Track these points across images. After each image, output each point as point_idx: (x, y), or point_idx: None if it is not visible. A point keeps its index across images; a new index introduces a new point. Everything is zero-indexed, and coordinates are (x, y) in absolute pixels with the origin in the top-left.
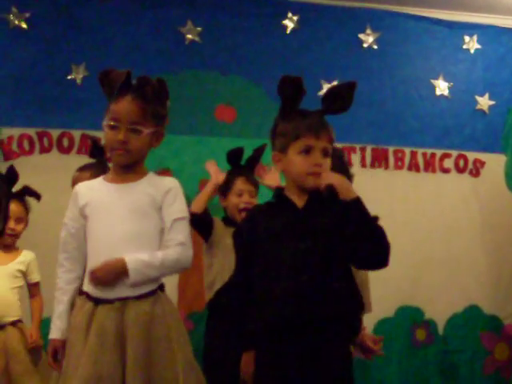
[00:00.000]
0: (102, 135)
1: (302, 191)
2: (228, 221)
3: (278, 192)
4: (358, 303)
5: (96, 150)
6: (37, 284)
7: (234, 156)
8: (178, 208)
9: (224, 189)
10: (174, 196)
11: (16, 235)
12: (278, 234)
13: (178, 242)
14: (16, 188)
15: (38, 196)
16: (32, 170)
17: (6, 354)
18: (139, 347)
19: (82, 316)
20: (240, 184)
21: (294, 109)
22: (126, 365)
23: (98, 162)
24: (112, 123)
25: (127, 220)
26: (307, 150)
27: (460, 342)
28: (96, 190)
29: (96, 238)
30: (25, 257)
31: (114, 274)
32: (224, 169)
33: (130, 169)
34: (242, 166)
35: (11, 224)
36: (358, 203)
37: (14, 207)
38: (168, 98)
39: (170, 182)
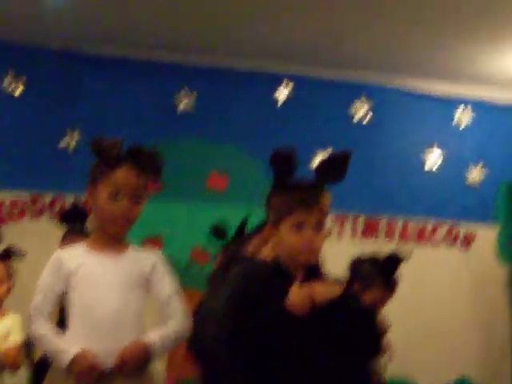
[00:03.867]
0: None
1: (297, 266)
2: None
3: (277, 264)
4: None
5: (72, 216)
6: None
7: (218, 233)
8: (169, 282)
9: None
10: (162, 270)
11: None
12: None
13: (180, 315)
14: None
15: (21, 255)
16: (24, 234)
17: None
18: None
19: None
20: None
21: (287, 182)
22: None
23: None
24: (113, 192)
25: (115, 293)
26: (299, 226)
27: None
28: (82, 259)
29: (83, 307)
30: (7, 320)
31: (141, 357)
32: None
33: (118, 239)
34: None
35: None
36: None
37: None
38: (162, 168)
39: (156, 255)
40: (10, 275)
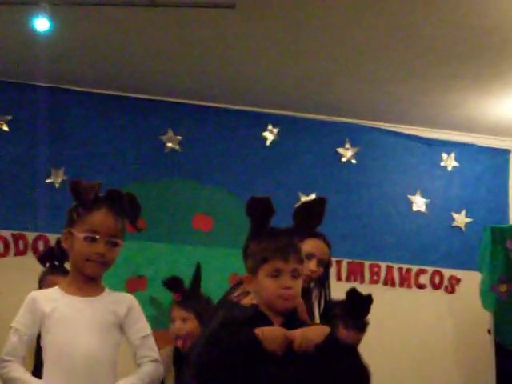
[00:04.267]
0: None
1: (275, 313)
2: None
3: (255, 308)
4: None
5: (51, 255)
6: None
7: (171, 285)
8: (143, 325)
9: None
10: (137, 313)
11: None
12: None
13: (153, 359)
14: None
15: None
16: (6, 272)
17: None
18: None
19: None
20: (173, 312)
21: (263, 229)
22: None
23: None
24: (90, 235)
25: (90, 336)
26: (276, 274)
27: None
28: (57, 301)
29: (57, 349)
30: None
31: None
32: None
33: (93, 281)
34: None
35: None
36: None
37: None
38: (140, 212)
39: (131, 299)
40: None
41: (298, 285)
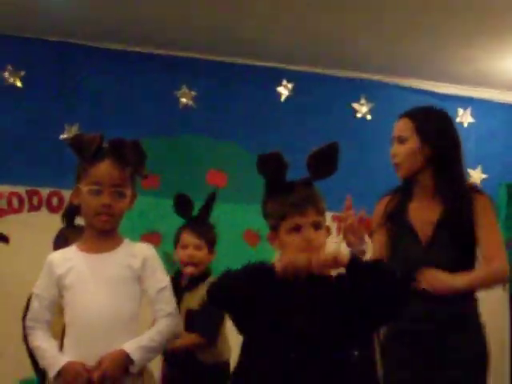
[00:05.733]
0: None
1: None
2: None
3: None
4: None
5: (69, 213)
6: None
7: (181, 205)
8: (159, 278)
9: (175, 242)
10: (153, 265)
11: None
12: (279, 305)
13: (168, 313)
14: None
15: (5, 239)
16: (21, 228)
17: None
18: None
19: None
20: (185, 237)
21: (278, 185)
22: None
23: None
24: (94, 188)
25: (107, 294)
26: (296, 229)
27: None
28: (72, 261)
29: (75, 310)
30: None
31: (121, 369)
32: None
33: (108, 235)
34: (192, 217)
35: None
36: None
37: None
38: (145, 160)
39: (147, 250)
40: None
41: (321, 236)
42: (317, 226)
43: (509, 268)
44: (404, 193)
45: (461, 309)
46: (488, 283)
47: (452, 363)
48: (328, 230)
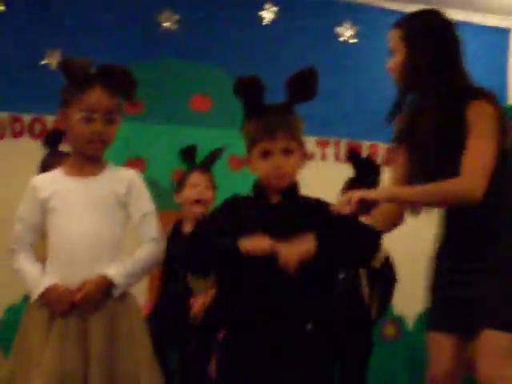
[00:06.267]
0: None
1: (275, 189)
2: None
3: (255, 186)
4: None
5: (52, 138)
6: None
7: (187, 154)
8: (144, 202)
9: (179, 185)
10: (138, 190)
11: None
12: (253, 229)
13: (151, 238)
14: None
15: None
16: (3, 155)
17: None
18: (102, 343)
19: (43, 311)
20: (195, 176)
21: (254, 108)
22: (89, 361)
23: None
24: (86, 115)
25: (91, 217)
26: (265, 154)
27: None
28: (57, 184)
29: (58, 234)
30: None
31: (103, 292)
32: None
33: (94, 160)
34: (196, 163)
35: None
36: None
37: None
38: (135, 87)
39: (132, 175)
40: None
41: (291, 162)
42: (287, 151)
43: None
44: (410, 107)
45: None
46: (439, 198)
47: None
48: (304, 155)
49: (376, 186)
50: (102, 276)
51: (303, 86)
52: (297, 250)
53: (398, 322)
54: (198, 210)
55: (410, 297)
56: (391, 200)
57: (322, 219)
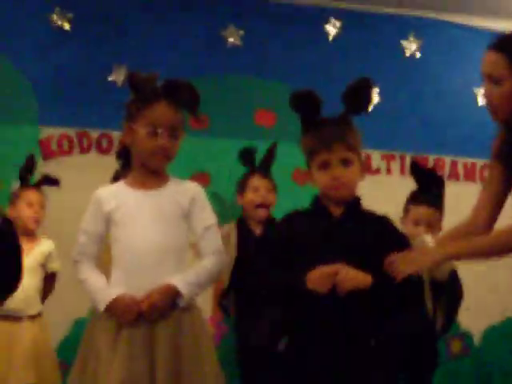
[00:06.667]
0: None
1: (336, 202)
2: (241, 224)
3: (316, 199)
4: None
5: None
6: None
7: (246, 156)
8: (207, 215)
9: (241, 187)
10: (201, 203)
11: (39, 221)
12: (315, 242)
13: (214, 251)
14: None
15: (57, 182)
16: (71, 170)
17: (17, 348)
18: (168, 351)
19: (110, 322)
20: (256, 180)
21: (311, 122)
22: (156, 372)
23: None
24: (152, 129)
25: (156, 228)
26: (324, 165)
27: (496, 354)
28: (121, 196)
29: (124, 245)
30: (44, 246)
31: (169, 302)
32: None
33: (157, 173)
34: (256, 165)
35: (36, 210)
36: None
37: (34, 195)
38: (199, 101)
39: (195, 188)
40: (44, 204)
41: (350, 172)
42: (346, 162)
43: None
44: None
45: None
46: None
47: None
48: (363, 166)
49: (441, 199)
50: (168, 285)
51: (358, 97)
52: (355, 276)
53: (465, 337)
54: (261, 213)
55: (477, 312)
56: (450, 260)
57: (384, 239)
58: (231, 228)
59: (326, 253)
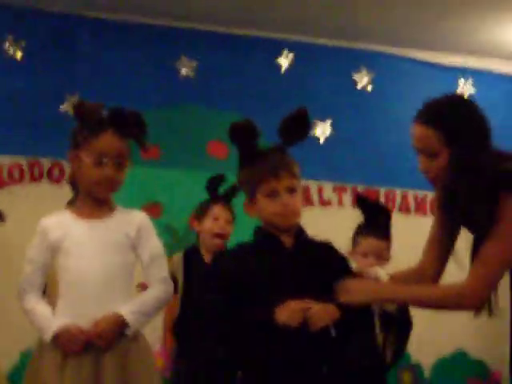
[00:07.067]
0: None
1: (285, 233)
2: (191, 251)
3: (261, 230)
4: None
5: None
6: None
7: (214, 182)
8: (154, 244)
9: (199, 213)
10: (147, 232)
11: None
12: (270, 276)
13: (161, 279)
14: None
15: (1, 218)
16: (22, 199)
17: None
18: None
19: (56, 352)
20: (217, 209)
21: (252, 153)
22: None
23: None
24: (98, 159)
25: (102, 258)
26: (272, 194)
27: None
28: (68, 226)
29: (70, 275)
30: None
31: (116, 330)
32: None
33: (103, 202)
34: (219, 194)
35: None
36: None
37: None
38: (146, 130)
39: (142, 217)
40: None
41: (296, 200)
42: (291, 190)
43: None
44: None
45: None
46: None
47: None
48: (301, 194)
49: (388, 230)
50: (114, 314)
51: (295, 127)
52: (326, 312)
53: (415, 369)
54: (218, 243)
55: (428, 343)
56: (376, 301)
57: (332, 266)
58: (179, 258)
59: (281, 287)
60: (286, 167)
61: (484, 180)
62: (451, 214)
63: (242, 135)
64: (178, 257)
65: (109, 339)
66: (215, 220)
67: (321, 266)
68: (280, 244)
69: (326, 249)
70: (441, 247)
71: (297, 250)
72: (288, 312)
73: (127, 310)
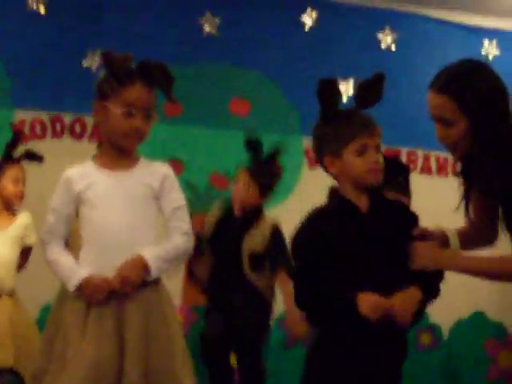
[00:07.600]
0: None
1: (361, 192)
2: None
3: (336, 194)
4: None
5: None
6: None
7: (251, 149)
8: (176, 196)
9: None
10: (170, 184)
11: (23, 197)
12: (347, 241)
13: (183, 232)
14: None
15: (40, 159)
16: (44, 155)
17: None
18: (138, 333)
19: (79, 301)
20: (239, 174)
21: (336, 111)
22: (125, 351)
23: None
24: (127, 110)
25: (126, 209)
26: (363, 150)
27: (464, 347)
28: (92, 177)
29: (94, 226)
30: (24, 219)
31: (140, 274)
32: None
33: (127, 153)
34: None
35: (21, 186)
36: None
37: (19, 171)
38: (173, 83)
39: (165, 169)
40: (24, 179)
41: (381, 158)
42: (378, 148)
43: None
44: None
45: None
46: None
47: None
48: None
49: (407, 185)
50: (138, 258)
51: (372, 91)
52: (411, 306)
53: (434, 330)
54: (236, 205)
55: (447, 305)
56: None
57: (408, 225)
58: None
59: (360, 252)
60: (376, 125)
61: (507, 151)
62: (474, 184)
63: (330, 92)
64: (211, 219)
65: (133, 283)
66: (236, 183)
67: (397, 228)
68: (356, 210)
69: (400, 209)
70: (484, 209)
71: (372, 213)
72: (370, 305)
73: (149, 253)
